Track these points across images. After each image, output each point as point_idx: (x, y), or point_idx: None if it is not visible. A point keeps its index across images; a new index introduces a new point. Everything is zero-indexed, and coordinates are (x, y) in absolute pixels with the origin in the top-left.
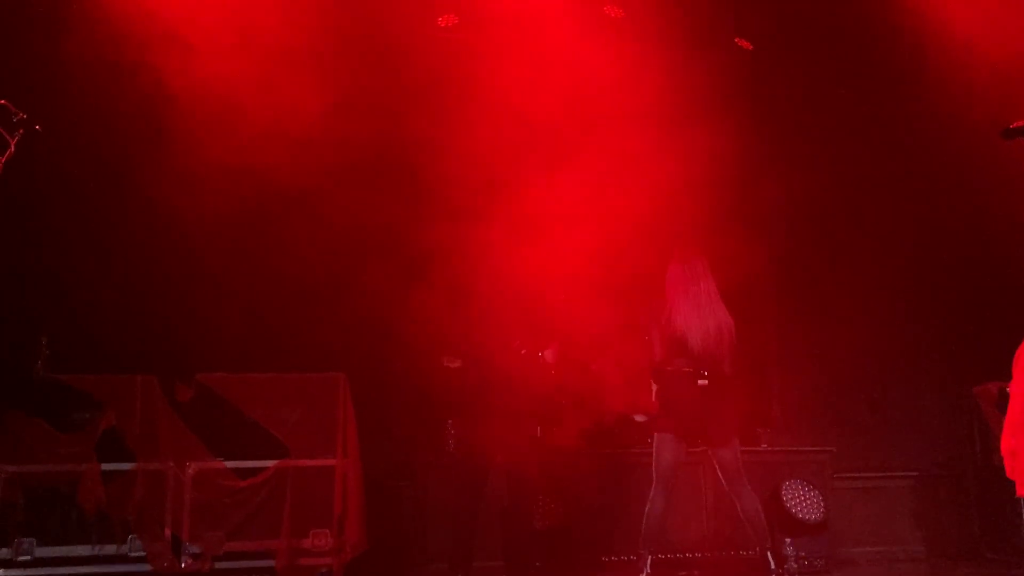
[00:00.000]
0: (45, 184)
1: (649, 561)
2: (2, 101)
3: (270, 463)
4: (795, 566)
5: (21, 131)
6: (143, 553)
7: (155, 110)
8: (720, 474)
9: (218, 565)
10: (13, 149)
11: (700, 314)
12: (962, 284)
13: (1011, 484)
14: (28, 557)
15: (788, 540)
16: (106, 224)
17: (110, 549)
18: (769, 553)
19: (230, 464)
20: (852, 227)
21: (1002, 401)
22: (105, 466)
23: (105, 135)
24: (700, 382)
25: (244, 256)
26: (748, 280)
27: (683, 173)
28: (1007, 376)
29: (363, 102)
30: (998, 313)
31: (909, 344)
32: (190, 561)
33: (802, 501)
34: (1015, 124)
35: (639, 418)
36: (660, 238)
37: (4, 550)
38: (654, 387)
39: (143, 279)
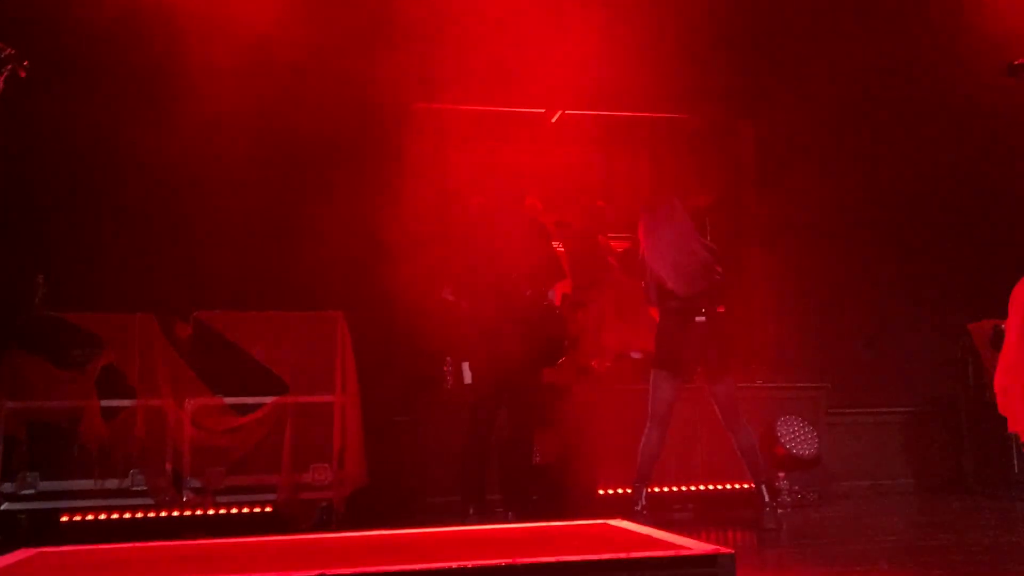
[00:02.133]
0: (40, 122)
1: (644, 494)
2: None
3: (269, 399)
4: (788, 499)
5: (10, 67)
6: (145, 487)
7: (151, 49)
8: (717, 409)
9: (219, 499)
10: (2, 86)
11: (673, 258)
12: (960, 221)
13: (1003, 420)
14: (32, 491)
15: (782, 474)
16: (103, 162)
17: (112, 483)
18: (763, 487)
19: (229, 401)
20: (847, 163)
21: (996, 339)
22: (105, 403)
23: (101, 75)
24: (697, 319)
25: (242, 194)
26: (742, 219)
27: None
28: (1003, 314)
29: (353, 38)
30: (995, 251)
31: (905, 281)
32: (191, 495)
33: (797, 437)
34: (1019, 60)
35: (635, 355)
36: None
37: (7, 484)
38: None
39: (140, 217)
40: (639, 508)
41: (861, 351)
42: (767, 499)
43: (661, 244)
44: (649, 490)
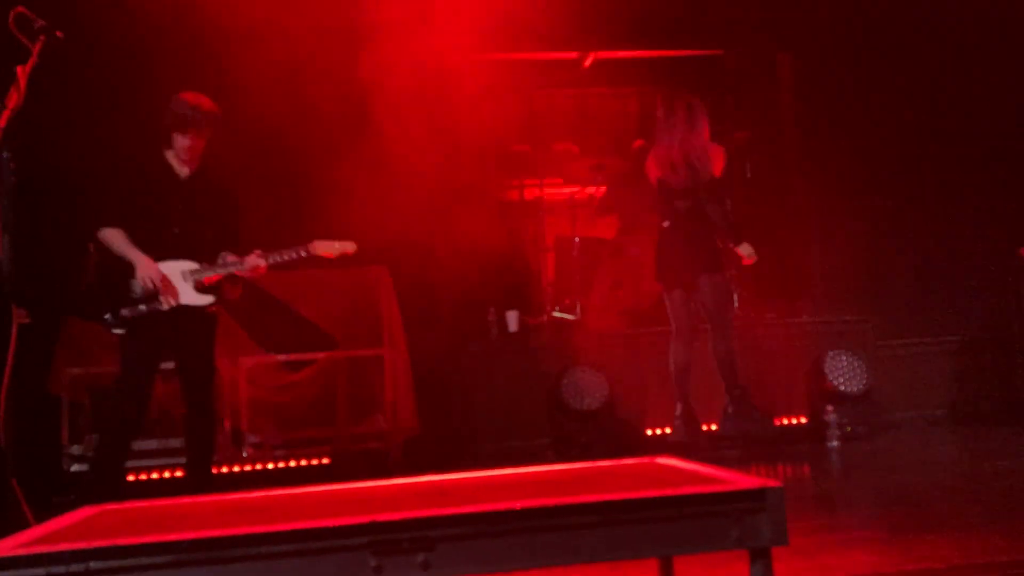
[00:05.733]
0: (84, 93)
1: (680, 409)
2: (20, 9)
3: (320, 355)
4: (838, 433)
5: (43, 39)
6: None
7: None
8: (702, 308)
9: (277, 453)
10: (37, 59)
11: (668, 150)
12: (1006, 146)
13: None
14: None
15: (830, 408)
16: (143, 127)
17: (175, 442)
18: (730, 394)
19: (282, 358)
20: (890, 92)
21: None
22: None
23: (139, 43)
24: (663, 224)
25: (285, 153)
26: (783, 154)
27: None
28: None
29: None
30: None
31: (952, 209)
32: (251, 451)
33: (845, 372)
34: None
35: None
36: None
37: (76, 447)
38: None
39: None
40: (678, 414)
41: (909, 281)
42: (731, 409)
43: (674, 132)
44: (686, 406)
